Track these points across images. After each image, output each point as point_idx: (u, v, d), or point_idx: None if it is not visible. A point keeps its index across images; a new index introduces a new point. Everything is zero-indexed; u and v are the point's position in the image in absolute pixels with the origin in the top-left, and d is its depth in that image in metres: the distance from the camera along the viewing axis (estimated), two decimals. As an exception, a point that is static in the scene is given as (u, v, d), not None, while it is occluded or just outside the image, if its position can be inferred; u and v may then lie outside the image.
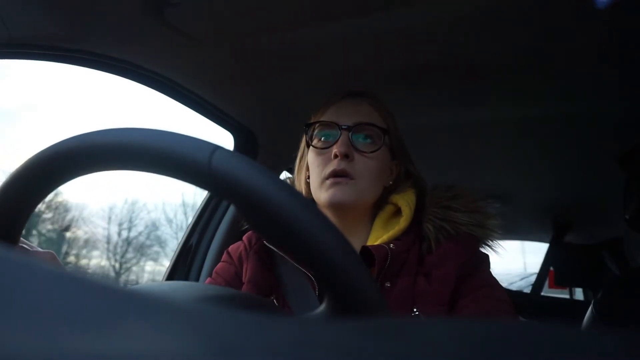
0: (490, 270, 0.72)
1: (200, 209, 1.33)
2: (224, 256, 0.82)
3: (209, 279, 0.80)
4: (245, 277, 0.76)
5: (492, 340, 0.13)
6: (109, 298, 0.14)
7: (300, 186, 0.81)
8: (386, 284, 0.68)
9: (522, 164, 1.57)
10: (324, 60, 0.98)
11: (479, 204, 0.75)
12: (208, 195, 1.33)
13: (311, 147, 0.77)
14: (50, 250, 0.51)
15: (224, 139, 1.28)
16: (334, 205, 0.71)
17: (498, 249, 0.75)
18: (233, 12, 0.81)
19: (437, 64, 0.97)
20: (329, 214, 0.74)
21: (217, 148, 0.31)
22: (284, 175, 1.39)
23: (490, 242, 0.74)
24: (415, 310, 0.66)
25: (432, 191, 0.78)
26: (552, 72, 0.97)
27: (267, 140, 1.31)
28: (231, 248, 0.82)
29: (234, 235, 1.25)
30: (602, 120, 1.17)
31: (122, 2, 0.76)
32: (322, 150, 0.74)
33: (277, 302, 0.71)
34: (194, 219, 1.33)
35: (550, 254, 2.36)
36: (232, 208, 1.34)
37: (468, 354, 0.13)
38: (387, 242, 0.70)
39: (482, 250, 0.74)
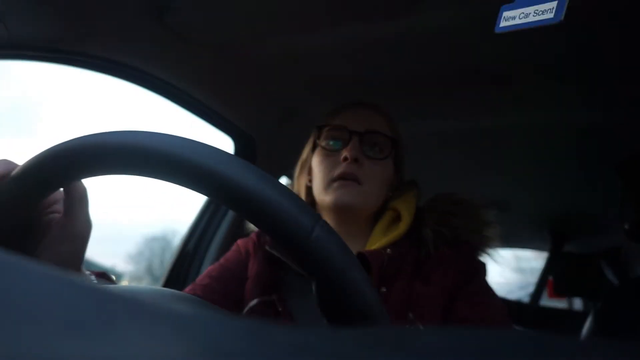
0: (487, 278, 0.72)
1: (198, 215, 1.32)
2: (234, 246, 0.83)
3: (217, 263, 0.80)
4: (249, 272, 0.76)
5: (490, 351, 0.13)
6: (104, 301, 0.14)
7: (300, 189, 0.82)
8: (382, 289, 0.67)
9: (520, 172, 1.57)
10: (324, 66, 0.99)
11: (479, 211, 0.75)
12: (206, 201, 1.32)
13: (318, 149, 0.77)
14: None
15: (224, 143, 1.28)
16: (340, 207, 0.72)
17: (496, 258, 0.75)
18: (233, 17, 0.81)
19: (435, 72, 0.98)
20: (331, 217, 0.75)
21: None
22: (284, 180, 1.39)
23: (488, 249, 0.74)
24: (411, 315, 0.65)
25: (434, 198, 0.78)
26: (551, 81, 0.98)
27: (266, 145, 1.31)
28: (240, 241, 0.83)
29: (231, 241, 1.25)
30: (601, 130, 1.17)
31: (123, 6, 0.76)
32: (331, 152, 0.75)
33: (277, 302, 0.71)
34: (192, 225, 1.32)
35: (549, 264, 2.35)
36: (230, 214, 1.33)
37: None
38: (384, 247, 0.70)
39: (480, 258, 0.74)
